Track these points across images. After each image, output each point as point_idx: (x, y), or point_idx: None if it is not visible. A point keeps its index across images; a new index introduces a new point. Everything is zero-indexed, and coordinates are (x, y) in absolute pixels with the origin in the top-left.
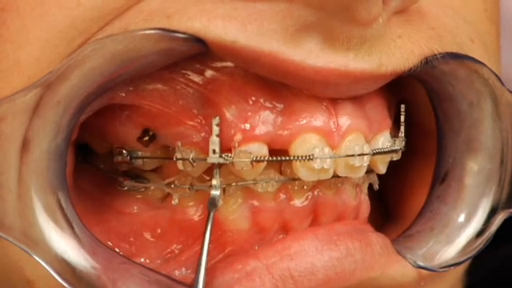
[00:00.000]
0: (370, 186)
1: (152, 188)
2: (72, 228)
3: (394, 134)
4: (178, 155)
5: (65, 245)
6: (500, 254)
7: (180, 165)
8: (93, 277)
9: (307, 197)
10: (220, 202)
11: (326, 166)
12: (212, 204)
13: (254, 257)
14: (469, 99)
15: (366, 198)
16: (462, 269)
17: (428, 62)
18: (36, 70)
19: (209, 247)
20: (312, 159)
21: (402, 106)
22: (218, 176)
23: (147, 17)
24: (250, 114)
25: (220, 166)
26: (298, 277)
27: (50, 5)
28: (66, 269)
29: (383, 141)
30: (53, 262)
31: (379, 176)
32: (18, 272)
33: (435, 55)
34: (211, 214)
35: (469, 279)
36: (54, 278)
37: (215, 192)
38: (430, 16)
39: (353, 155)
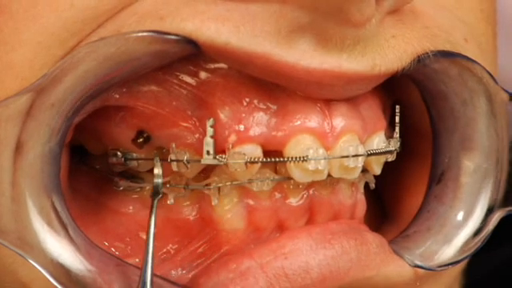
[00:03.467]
0: (367, 187)
1: (147, 188)
2: (67, 231)
3: (389, 135)
4: (173, 157)
5: (60, 248)
6: (498, 255)
7: (174, 166)
8: (88, 280)
9: (302, 196)
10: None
11: (320, 167)
12: (156, 192)
13: (248, 256)
14: (462, 97)
15: (362, 197)
16: (458, 269)
17: (420, 61)
18: (29, 71)
19: (154, 241)
20: (306, 160)
21: (397, 106)
22: (159, 164)
23: (140, 18)
24: (243, 115)
25: (162, 149)
26: (292, 275)
27: (43, 6)
28: (62, 272)
29: (378, 141)
30: (48, 265)
31: (376, 176)
32: (12, 275)
33: (427, 53)
34: (155, 202)
35: (466, 280)
36: (48, 280)
37: (157, 180)
38: (423, 15)
39: (347, 156)
